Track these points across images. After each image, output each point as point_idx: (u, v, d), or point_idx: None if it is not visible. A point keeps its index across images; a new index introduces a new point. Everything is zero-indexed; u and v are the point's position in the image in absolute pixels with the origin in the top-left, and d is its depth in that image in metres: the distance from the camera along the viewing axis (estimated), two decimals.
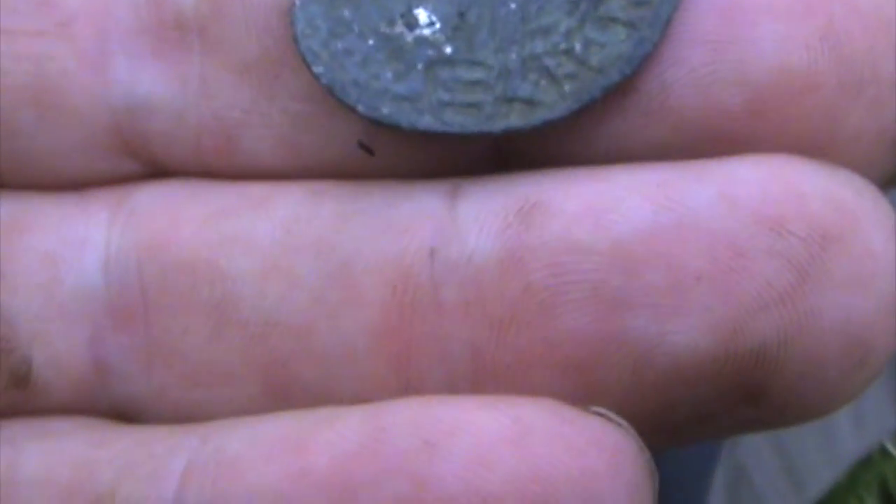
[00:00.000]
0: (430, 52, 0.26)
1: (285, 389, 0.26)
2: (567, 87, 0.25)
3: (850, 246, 0.24)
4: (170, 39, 0.27)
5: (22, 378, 0.26)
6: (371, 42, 0.26)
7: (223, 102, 0.27)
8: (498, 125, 0.26)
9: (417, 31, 0.26)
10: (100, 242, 0.27)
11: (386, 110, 0.26)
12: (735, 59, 0.25)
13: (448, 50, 0.26)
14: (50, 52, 0.27)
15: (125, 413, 0.27)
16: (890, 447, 0.90)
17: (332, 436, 0.24)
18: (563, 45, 0.26)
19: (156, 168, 0.28)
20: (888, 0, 0.25)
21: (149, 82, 0.27)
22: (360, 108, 0.26)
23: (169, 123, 0.27)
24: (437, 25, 0.26)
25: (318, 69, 0.26)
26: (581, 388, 0.24)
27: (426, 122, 0.26)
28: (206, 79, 0.27)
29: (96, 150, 0.27)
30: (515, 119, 0.26)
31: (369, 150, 0.27)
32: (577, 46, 0.25)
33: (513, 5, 0.26)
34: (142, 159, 0.28)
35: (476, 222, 0.25)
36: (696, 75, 0.25)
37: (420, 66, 0.26)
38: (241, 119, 0.27)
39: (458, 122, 0.26)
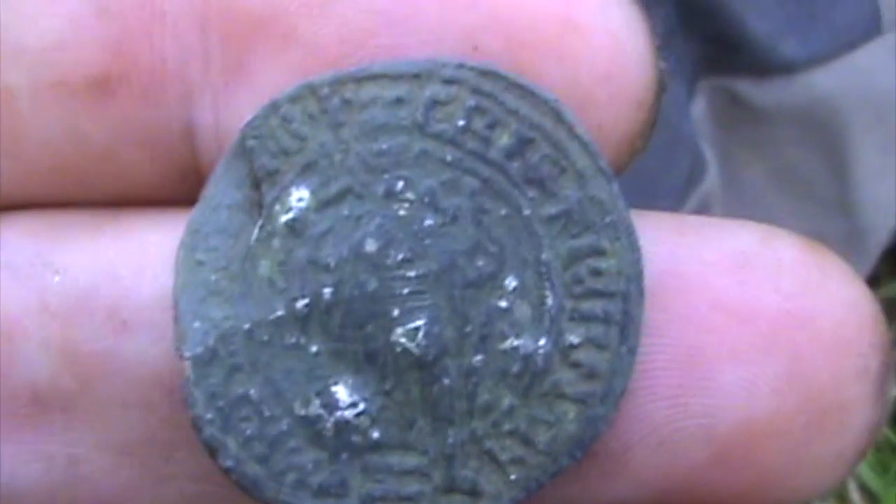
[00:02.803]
0: (355, 439, 0.22)
1: None
2: (513, 475, 0.22)
3: None
4: (25, 415, 0.22)
5: None
6: (284, 427, 0.22)
7: (101, 485, 0.23)
8: None
9: (338, 414, 0.22)
10: None
11: None
12: (700, 414, 0.22)
13: (375, 434, 0.22)
14: None
15: None
16: None
17: None
18: (506, 426, 0.22)
19: None
20: (850, 314, 0.22)
21: (8, 466, 0.23)
22: None
23: None
24: (361, 406, 0.22)
25: (227, 462, 0.22)
26: None
27: None
28: (76, 460, 0.23)
29: None
30: None
31: None
32: (522, 426, 0.22)
33: (446, 380, 0.22)
34: None
35: None
36: (660, 434, 0.22)
37: (344, 455, 0.22)
38: (127, 502, 0.23)
39: None
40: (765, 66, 0.62)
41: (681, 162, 0.60)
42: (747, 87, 0.63)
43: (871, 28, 0.62)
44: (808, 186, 0.64)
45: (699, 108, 0.63)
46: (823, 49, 0.62)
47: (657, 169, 0.57)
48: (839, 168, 0.64)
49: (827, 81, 0.62)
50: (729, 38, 0.61)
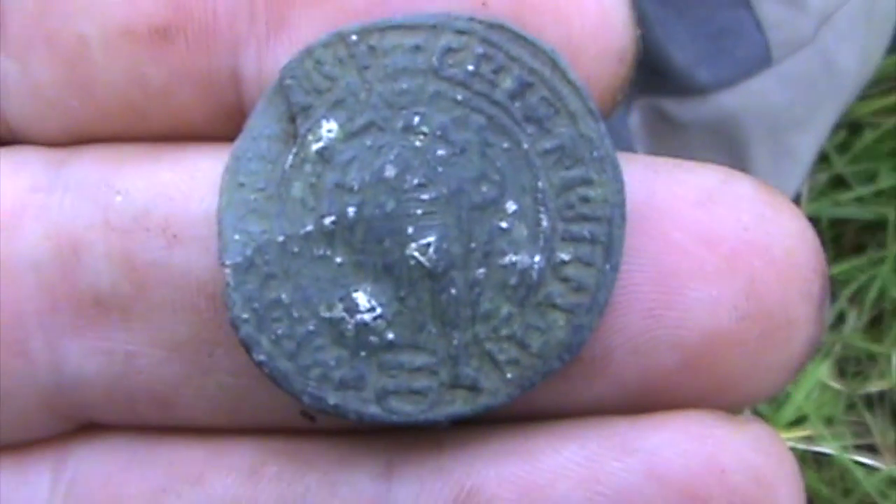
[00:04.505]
0: (373, 339, 0.24)
1: None
2: (509, 374, 0.24)
3: None
4: (88, 316, 0.24)
5: None
6: (311, 327, 0.24)
7: (153, 377, 0.25)
8: (442, 412, 0.24)
9: (358, 317, 0.24)
10: None
11: (332, 401, 0.24)
12: (671, 325, 0.24)
13: (390, 336, 0.24)
14: None
15: None
16: None
17: None
18: (504, 331, 0.24)
19: (92, 424, 0.26)
20: (798, 244, 0.24)
21: (74, 360, 0.24)
22: (306, 399, 0.24)
23: (99, 394, 0.25)
24: (378, 310, 0.24)
25: (260, 357, 0.24)
26: None
27: (372, 411, 0.24)
28: (132, 355, 0.24)
29: (30, 422, 0.25)
30: (459, 406, 0.24)
31: (311, 418, 0.25)
32: (518, 332, 0.24)
33: (453, 290, 0.24)
34: (75, 422, 0.26)
35: None
36: (636, 342, 0.24)
37: (363, 353, 0.24)
38: (175, 391, 0.25)
39: (403, 410, 0.24)
40: (685, 89, 0.69)
41: None
42: (671, 105, 0.70)
43: (764, 60, 0.70)
44: None
45: (635, 120, 0.69)
46: (728, 76, 0.69)
47: None
48: (741, 170, 0.70)
49: (731, 102, 0.69)
50: (657, 66, 0.67)
